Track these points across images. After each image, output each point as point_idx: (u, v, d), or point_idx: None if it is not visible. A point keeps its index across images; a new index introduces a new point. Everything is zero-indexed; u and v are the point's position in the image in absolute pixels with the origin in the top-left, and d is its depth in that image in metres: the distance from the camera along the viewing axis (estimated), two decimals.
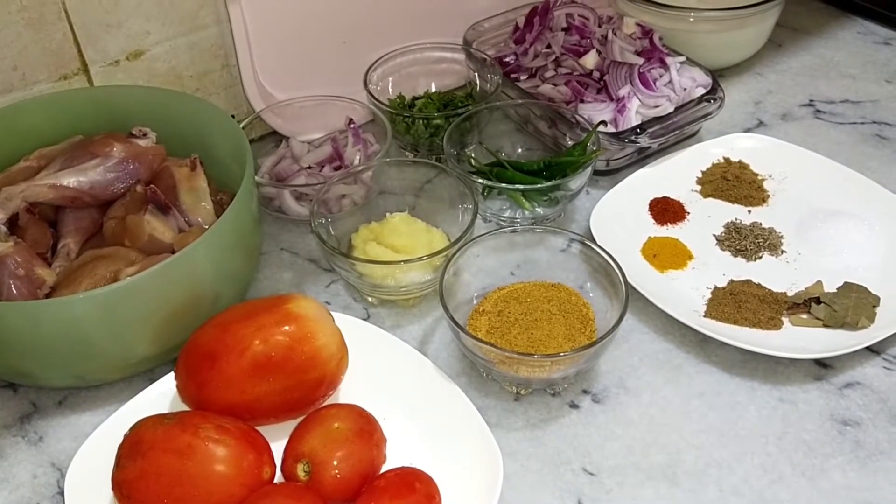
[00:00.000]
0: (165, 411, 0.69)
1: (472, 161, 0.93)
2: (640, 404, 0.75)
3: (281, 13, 0.95)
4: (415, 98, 1.04)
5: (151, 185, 0.79)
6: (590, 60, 1.01)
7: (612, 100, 0.97)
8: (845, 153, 0.98)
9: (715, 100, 0.97)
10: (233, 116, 0.88)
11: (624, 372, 0.77)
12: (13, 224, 0.78)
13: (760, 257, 0.86)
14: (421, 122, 0.97)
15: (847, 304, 0.78)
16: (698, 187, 0.95)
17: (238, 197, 0.74)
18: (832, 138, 1.03)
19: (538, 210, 0.91)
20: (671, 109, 0.96)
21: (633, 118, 0.95)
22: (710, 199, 0.93)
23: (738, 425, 0.73)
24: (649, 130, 0.93)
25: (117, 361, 0.74)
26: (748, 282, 0.83)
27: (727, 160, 0.97)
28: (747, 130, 1.04)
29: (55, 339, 0.69)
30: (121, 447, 0.63)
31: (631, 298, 0.74)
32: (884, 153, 1.00)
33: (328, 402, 0.71)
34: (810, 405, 0.74)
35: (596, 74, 1.00)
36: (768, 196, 0.93)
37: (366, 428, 0.67)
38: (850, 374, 0.76)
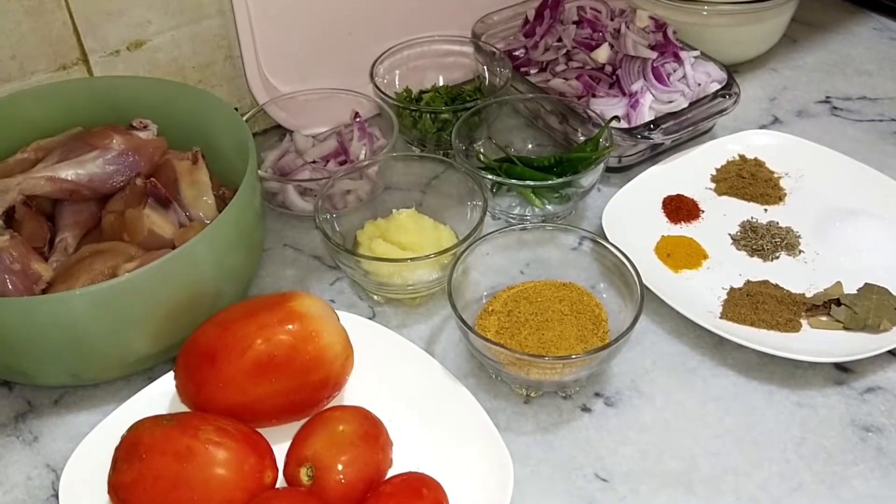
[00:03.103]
0: (164, 412, 0.68)
1: (481, 157, 0.91)
2: (654, 408, 0.73)
3: (285, 3, 0.93)
4: (422, 92, 1.02)
5: (152, 179, 0.77)
6: (602, 54, 0.99)
7: (624, 95, 0.95)
8: (863, 151, 0.96)
9: (730, 95, 0.94)
10: (236, 109, 0.87)
11: (637, 374, 0.75)
12: (9, 217, 0.76)
13: (777, 257, 0.84)
14: (428, 116, 0.95)
15: (868, 306, 0.76)
16: (713, 185, 0.93)
17: (240, 191, 0.73)
18: (849, 136, 1.01)
19: (549, 207, 0.89)
20: (685, 105, 0.94)
21: (646, 114, 0.93)
22: (725, 197, 0.91)
23: (755, 431, 0.71)
24: (663, 126, 0.91)
25: (115, 360, 0.72)
26: (765, 282, 0.81)
27: (742, 157, 0.95)
28: (762, 127, 1.02)
29: (51, 336, 0.68)
30: (118, 449, 0.62)
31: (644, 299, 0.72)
32: None
33: (332, 403, 0.69)
34: (830, 410, 0.72)
35: (608, 69, 0.98)
36: (785, 194, 0.91)
37: (371, 431, 0.65)
38: (871, 378, 0.74)
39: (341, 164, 0.94)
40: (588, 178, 0.87)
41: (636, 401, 0.73)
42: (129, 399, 0.70)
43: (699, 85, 0.96)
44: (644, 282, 0.73)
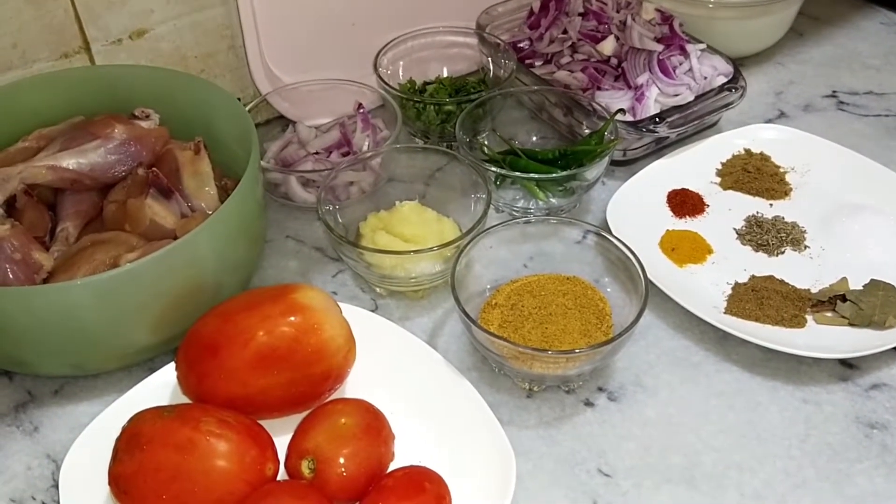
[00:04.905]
0: (165, 403, 0.67)
1: (485, 149, 0.91)
2: (658, 403, 0.72)
3: None
4: (426, 83, 1.01)
5: (153, 169, 0.76)
6: (607, 47, 0.98)
7: (630, 87, 0.94)
8: (869, 146, 0.96)
9: (736, 89, 0.94)
10: (238, 99, 0.86)
11: (641, 369, 0.75)
12: (11, 206, 0.76)
13: (783, 252, 0.83)
14: (432, 107, 0.95)
15: (874, 303, 0.75)
16: (718, 179, 0.92)
17: (243, 182, 0.72)
18: (856, 130, 1.00)
19: (552, 200, 0.88)
20: (691, 98, 0.93)
21: (651, 107, 0.92)
22: (731, 192, 0.90)
23: (759, 427, 0.70)
24: (668, 120, 0.90)
25: (116, 350, 0.72)
26: (770, 278, 0.80)
27: (748, 152, 0.94)
28: (768, 121, 1.01)
29: (52, 326, 0.67)
30: (118, 440, 0.61)
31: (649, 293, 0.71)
32: None
33: (334, 396, 0.68)
34: (835, 407, 0.71)
35: (614, 61, 0.98)
36: (791, 189, 0.90)
37: (373, 424, 0.64)
38: (876, 374, 0.74)
39: (344, 155, 0.93)
40: (592, 172, 0.86)
41: (639, 396, 0.73)
42: (129, 390, 0.69)
43: (705, 78, 0.96)
44: (648, 276, 0.73)
